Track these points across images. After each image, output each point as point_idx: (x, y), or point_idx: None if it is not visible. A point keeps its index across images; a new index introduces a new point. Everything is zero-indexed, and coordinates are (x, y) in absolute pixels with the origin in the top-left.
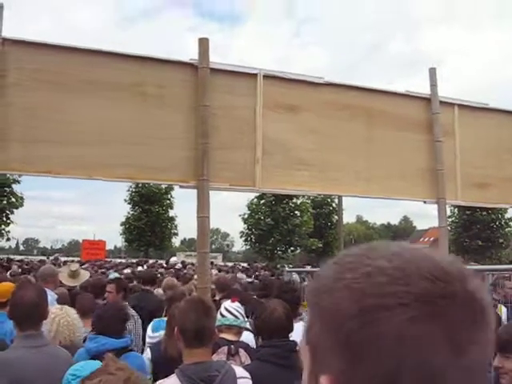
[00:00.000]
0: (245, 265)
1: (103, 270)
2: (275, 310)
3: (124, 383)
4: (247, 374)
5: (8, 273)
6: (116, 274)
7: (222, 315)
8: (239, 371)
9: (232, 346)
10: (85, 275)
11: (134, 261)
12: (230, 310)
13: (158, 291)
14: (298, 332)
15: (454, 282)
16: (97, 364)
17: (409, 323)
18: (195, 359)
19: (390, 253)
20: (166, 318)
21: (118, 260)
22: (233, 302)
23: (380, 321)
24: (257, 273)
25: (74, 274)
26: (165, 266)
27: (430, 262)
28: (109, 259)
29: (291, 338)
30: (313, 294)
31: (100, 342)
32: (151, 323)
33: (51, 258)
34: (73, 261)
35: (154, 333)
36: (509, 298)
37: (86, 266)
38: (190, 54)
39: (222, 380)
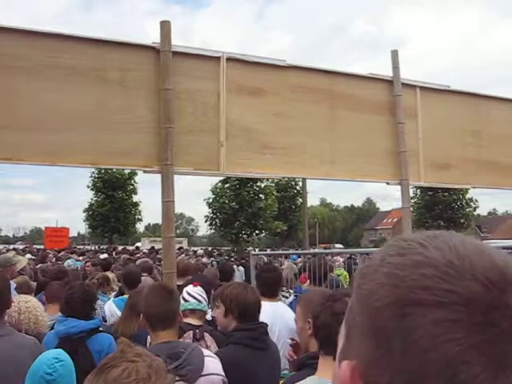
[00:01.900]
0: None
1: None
2: (251, 292)
3: (148, 370)
4: (215, 356)
5: None
6: (70, 262)
7: (185, 300)
8: (207, 352)
9: (197, 331)
10: (23, 261)
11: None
12: (193, 294)
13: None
14: (275, 312)
15: (510, 292)
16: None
17: (444, 325)
18: (161, 340)
19: (448, 244)
20: (127, 296)
21: (88, 247)
22: (194, 286)
23: (412, 316)
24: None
25: None
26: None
27: (488, 263)
28: (79, 246)
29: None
30: (359, 275)
31: (69, 324)
32: (113, 303)
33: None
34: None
35: None
36: None
37: (62, 253)
38: (152, 38)
39: (189, 356)
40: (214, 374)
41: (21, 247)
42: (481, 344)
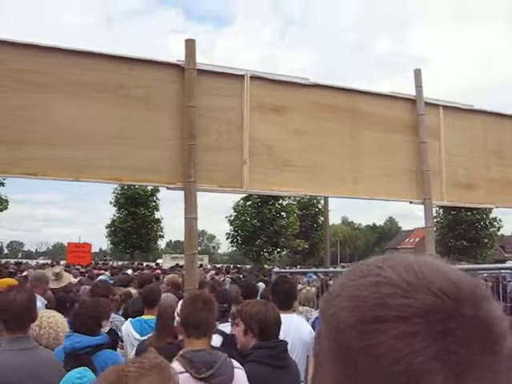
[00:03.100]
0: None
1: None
2: (271, 309)
3: (152, 366)
4: (241, 367)
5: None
6: (102, 278)
7: None
8: (235, 363)
9: None
10: (68, 277)
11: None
12: None
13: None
14: (289, 324)
15: (465, 303)
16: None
17: (405, 339)
18: (195, 347)
19: (404, 264)
20: (146, 317)
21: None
22: None
23: (375, 332)
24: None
25: (57, 276)
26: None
27: (442, 278)
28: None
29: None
30: (323, 300)
31: (74, 339)
32: (130, 324)
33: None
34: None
35: (142, 336)
36: None
37: (88, 268)
38: (175, 55)
39: (221, 366)
40: None
41: (48, 262)
42: (439, 353)
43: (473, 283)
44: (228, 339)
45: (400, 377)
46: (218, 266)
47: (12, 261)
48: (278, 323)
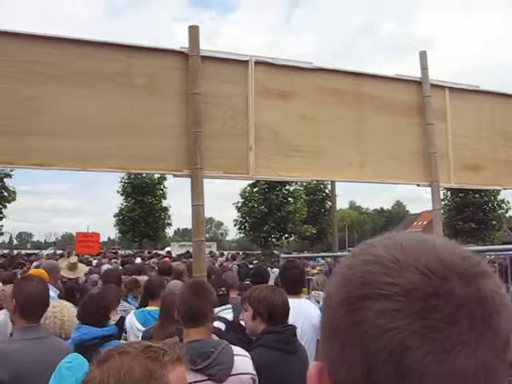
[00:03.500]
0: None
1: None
2: (279, 294)
3: (143, 346)
4: (246, 353)
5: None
6: (109, 266)
7: None
8: (237, 350)
9: None
10: (83, 268)
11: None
12: None
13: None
14: (299, 309)
15: (453, 280)
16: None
17: (387, 315)
18: (192, 338)
19: (395, 242)
20: (149, 308)
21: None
22: None
23: (360, 310)
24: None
25: (72, 267)
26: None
27: (431, 255)
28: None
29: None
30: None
31: (82, 331)
32: (134, 315)
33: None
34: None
35: (145, 327)
36: None
37: (99, 257)
38: (180, 43)
39: (218, 356)
40: (242, 373)
41: (58, 251)
42: (422, 330)
43: (469, 260)
44: (230, 326)
45: (382, 353)
46: (225, 252)
47: (23, 252)
48: (287, 308)
